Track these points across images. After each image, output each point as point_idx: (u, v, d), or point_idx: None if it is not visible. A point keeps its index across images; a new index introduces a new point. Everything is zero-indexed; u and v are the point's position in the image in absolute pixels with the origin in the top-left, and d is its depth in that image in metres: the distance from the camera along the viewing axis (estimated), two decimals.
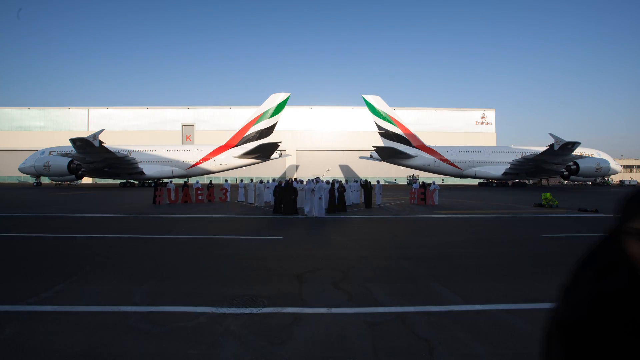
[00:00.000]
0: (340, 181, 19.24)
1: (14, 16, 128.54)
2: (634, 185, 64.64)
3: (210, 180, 27.14)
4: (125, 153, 45.25)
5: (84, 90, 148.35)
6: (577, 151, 46.02)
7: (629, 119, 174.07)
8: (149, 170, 46.92)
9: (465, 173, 50.48)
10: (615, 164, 50.02)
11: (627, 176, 77.30)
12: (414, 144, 49.74)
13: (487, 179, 51.10)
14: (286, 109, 50.08)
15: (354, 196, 20.10)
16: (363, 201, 19.06)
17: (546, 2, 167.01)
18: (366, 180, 19.87)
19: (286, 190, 14.82)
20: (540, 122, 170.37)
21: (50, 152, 46.78)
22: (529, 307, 4.37)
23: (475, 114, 72.37)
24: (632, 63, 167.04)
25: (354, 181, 23.03)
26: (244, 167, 50.17)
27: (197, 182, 23.63)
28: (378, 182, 21.33)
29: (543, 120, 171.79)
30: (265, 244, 8.64)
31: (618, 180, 72.53)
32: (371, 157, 52.46)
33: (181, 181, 28.12)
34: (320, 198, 14.15)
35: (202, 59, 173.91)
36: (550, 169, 46.37)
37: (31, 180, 50.41)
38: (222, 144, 48.37)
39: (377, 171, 60.41)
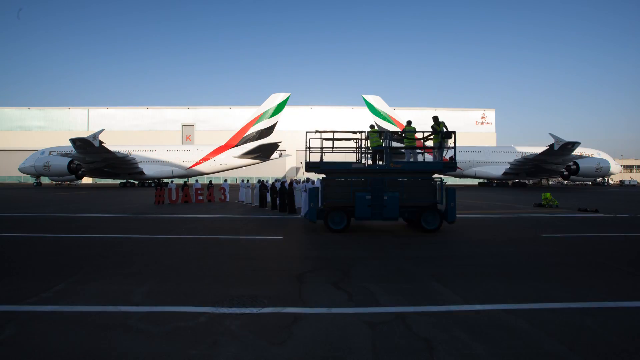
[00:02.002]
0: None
1: (14, 16, 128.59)
2: (634, 185, 64.74)
3: (210, 180, 27.15)
4: (125, 153, 45.26)
5: (84, 90, 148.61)
6: (577, 151, 46.02)
7: (629, 119, 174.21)
8: (149, 170, 46.93)
9: (465, 173, 50.49)
10: (615, 164, 50.03)
11: (627, 176, 77.30)
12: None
13: (487, 179, 51.14)
14: (286, 109, 50.12)
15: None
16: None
17: (546, 2, 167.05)
18: None
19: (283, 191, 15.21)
20: (540, 122, 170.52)
21: (50, 152, 46.81)
22: (529, 307, 4.37)
23: (475, 114, 72.45)
24: (632, 62, 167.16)
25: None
26: (244, 167, 50.22)
27: (197, 182, 23.66)
28: None
29: (543, 120, 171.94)
30: (265, 244, 8.64)
31: (618, 180, 72.53)
32: None
33: (181, 181, 28.13)
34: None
35: (202, 59, 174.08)
36: (550, 169, 46.38)
37: (31, 180, 50.42)
38: (222, 144, 48.40)
39: None
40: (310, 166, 11.01)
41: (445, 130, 11.09)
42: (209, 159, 47.36)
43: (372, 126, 12.48)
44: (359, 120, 65.15)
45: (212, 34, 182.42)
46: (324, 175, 11.13)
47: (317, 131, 11.24)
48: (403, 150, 12.48)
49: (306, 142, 11.23)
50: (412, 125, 11.85)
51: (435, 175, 11.30)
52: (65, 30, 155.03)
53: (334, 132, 11.51)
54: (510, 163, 47.78)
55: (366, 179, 10.51)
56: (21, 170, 46.84)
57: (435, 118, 11.75)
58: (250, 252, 7.79)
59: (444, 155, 11.26)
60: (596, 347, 3.37)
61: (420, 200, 10.52)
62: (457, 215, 10.43)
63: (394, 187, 10.42)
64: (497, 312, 4.21)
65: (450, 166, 10.98)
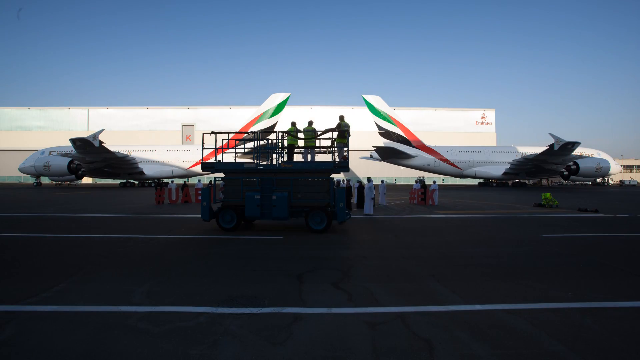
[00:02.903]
0: (360, 181, 19.50)
1: (14, 16, 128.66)
2: (634, 185, 64.71)
3: (210, 180, 27.17)
4: (125, 153, 45.25)
5: (84, 90, 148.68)
6: (577, 151, 46.04)
7: (629, 119, 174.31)
8: (149, 170, 46.91)
9: (465, 173, 50.48)
10: (615, 164, 50.02)
11: (627, 176, 77.28)
12: (414, 144, 49.76)
13: (487, 179, 51.12)
14: (286, 109, 50.13)
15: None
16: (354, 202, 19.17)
17: (546, 2, 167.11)
18: (361, 181, 20.04)
19: None
20: (540, 122, 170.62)
21: (50, 152, 46.80)
22: (529, 307, 4.37)
23: (475, 114, 72.41)
24: (632, 62, 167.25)
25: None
26: None
27: (199, 182, 23.66)
28: (382, 181, 21.45)
29: (543, 120, 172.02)
30: (265, 244, 8.65)
31: (618, 180, 72.51)
32: (371, 157, 52.50)
33: (181, 181, 28.14)
34: None
35: (202, 58, 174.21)
36: (550, 169, 46.39)
37: (31, 180, 50.41)
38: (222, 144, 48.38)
39: (377, 171, 60.44)
40: (205, 166, 11.26)
41: (347, 132, 11.31)
42: (209, 159, 47.35)
43: (293, 123, 12.20)
44: (359, 120, 65.20)
45: (212, 33, 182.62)
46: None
47: (212, 132, 11.74)
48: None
49: (203, 141, 12.41)
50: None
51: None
52: (65, 30, 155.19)
53: (228, 132, 11.89)
54: (510, 163, 47.77)
55: (257, 179, 10.59)
56: (21, 170, 46.83)
57: (341, 117, 11.81)
58: (250, 251, 7.80)
59: (344, 154, 11.36)
60: (596, 347, 3.37)
61: (311, 201, 10.53)
62: (457, 215, 10.42)
63: (284, 187, 10.48)
64: (497, 312, 4.21)
65: (343, 166, 10.96)
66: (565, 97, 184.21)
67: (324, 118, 67.16)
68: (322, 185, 10.61)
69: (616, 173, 53.39)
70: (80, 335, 3.57)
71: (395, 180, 65.41)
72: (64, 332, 3.65)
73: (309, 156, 12.00)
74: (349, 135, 11.65)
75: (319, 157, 12.27)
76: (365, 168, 60.42)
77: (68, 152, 43.68)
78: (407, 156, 48.89)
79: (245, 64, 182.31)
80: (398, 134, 49.73)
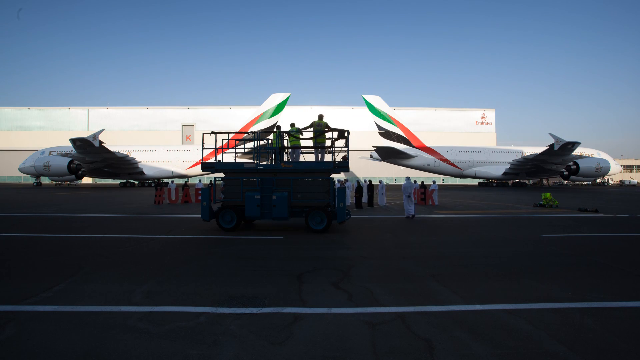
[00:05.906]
0: (358, 181, 19.53)
1: (14, 16, 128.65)
2: (634, 185, 64.72)
3: (211, 180, 27.17)
4: (125, 153, 45.24)
5: (84, 90, 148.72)
6: (577, 151, 46.05)
7: (629, 119, 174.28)
8: (149, 170, 46.90)
9: (465, 173, 50.49)
10: (615, 164, 50.03)
11: (627, 176, 77.28)
12: (414, 144, 49.77)
13: (487, 179, 51.13)
14: (286, 109, 50.13)
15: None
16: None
17: (546, 2, 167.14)
18: (357, 181, 20.13)
19: None
20: (540, 122, 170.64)
21: (50, 152, 46.79)
22: (529, 307, 4.37)
23: (475, 114, 72.42)
24: (633, 62, 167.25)
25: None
26: None
27: (200, 182, 23.68)
28: (380, 181, 21.44)
29: (543, 120, 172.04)
30: (265, 244, 8.64)
31: (618, 180, 72.54)
32: (371, 157, 52.53)
33: (181, 181, 28.12)
34: None
35: (202, 58, 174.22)
36: (550, 169, 46.40)
37: (31, 180, 50.41)
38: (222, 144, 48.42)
39: (377, 171, 60.48)
40: (205, 166, 11.28)
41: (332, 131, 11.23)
42: (209, 159, 47.36)
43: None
44: (359, 120, 65.21)
45: (213, 34, 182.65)
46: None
47: (212, 132, 11.72)
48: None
49: (203, 142, 12.69)
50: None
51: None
52: (65, 30, 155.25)
53: (228, 132, 11.94)
54: (510, 163, 47.80)
55: (257, 179, 10.58)
56: (21, 170, 46.83)
57: (320, 116, 11.89)
58: (250, 251, 7.80)
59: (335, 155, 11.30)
60: (596, 347, 3.37)
61: (311, 201, 10.53)
62: (457, 215, 10.41)
63: (284, 186, 10.48)
64: (497, 312, 4.21)
65: (343, 166, 10.90)
66: (566, 97, 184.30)
67: (324, 118, 67.32)
68: (322, 185, 10.60)
69: (616, 173, 53.43)
70: (80, 335, 3.57)
71: (395, 180, 65.41)
72: (64, 332, 3.65)
73: (319, 156, 11.74)
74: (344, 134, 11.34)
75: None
76: (365, 168, 60.42)
77: (68, 152, 43.67)
78: (407, 156, 48.90)
79: (245, 64, 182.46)
80: (398, 134, 49.73)
